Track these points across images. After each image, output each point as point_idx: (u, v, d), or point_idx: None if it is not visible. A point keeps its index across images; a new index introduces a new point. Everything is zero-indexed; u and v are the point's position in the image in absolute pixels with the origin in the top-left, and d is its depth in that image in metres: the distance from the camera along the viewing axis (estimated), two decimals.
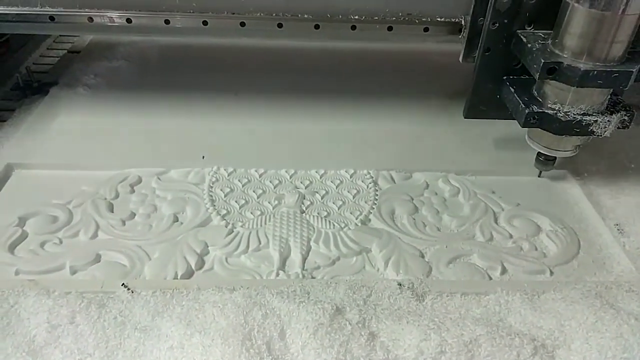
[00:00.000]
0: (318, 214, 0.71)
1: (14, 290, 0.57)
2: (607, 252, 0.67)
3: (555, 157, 0.74)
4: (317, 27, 0.75)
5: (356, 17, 0.75)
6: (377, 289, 0.59)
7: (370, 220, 0.70)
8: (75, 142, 0.82)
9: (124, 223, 0.68)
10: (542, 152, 0.73)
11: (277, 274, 0.62)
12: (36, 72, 1.00)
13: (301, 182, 0.76)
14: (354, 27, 0.75)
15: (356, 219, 0.70)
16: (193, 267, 0.62)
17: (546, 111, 0.66)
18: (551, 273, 0.64)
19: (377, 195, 0.74)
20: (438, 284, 0.61)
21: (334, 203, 0.73)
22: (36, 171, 0.76)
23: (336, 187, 0.75)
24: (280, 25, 0.75)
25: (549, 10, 0.66)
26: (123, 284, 0.58)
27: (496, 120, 0.79)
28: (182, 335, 0.52)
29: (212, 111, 0.91)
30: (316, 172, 0.78)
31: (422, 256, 0.65)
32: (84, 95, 0.94)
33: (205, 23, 0.75)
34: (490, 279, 0.63)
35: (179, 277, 0.61)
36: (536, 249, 0.67)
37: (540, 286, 0.61)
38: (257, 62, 1.07)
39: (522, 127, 0.68)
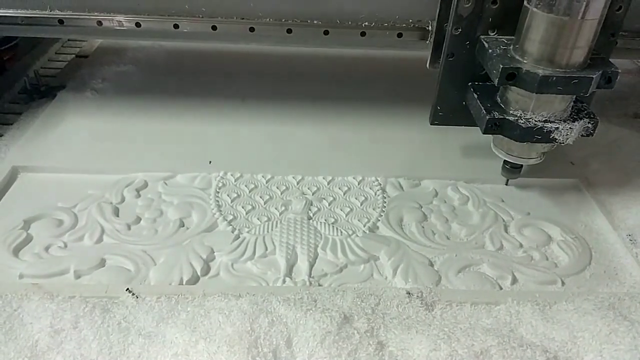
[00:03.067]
0: (325, 220, 0.70)
1: (17, 294, 0.56)
2: (619, 263, 0.66)
3: (522, 165, 0.73)
4: (326, 33, 0.75)
5: (366, 23, 0.74)
6: (385, 297, 0.58)
7: (378, 227, 0.69)
8: (82, 146, 0.81)
9: (129, 227, 0.68)
10: (507, 160, 0.72)
11: (284, 281, 0.61)
12: (44, 76, 1.00)
13: (308, 189, 0.75)
14: (363, 34, 0.75)
15: (364, 226, 0.69)
16: (199, 272, 0.61)
17: (507, 117, 0.64)
18: (563, 283, 0.62)
19: (385, 202, 0.73)
20: (447, 293, 0.60)
21: (341, 210, 0.72)
22: (42, 174, 0.76)
23: (344, 194, 0.75)
24: (289, 31, 0.75)
25: (511, 15, 0.65)
26: (127, 289, 0.58)
27: None
28: (187, 342, 0.51)
29: (219, 116, 0.90)
30: (323, 178, 0.77)
31: (431, 265, 0.64)
32: (91, 99, 0.94)
33: (214, 28, 0.74)
34: (501, 288, 0.62)
35: (184, 283, 0.60)
36: (547, 259, 0.66)
37: (551, 297, 0.60)
38: (266, 68, 1.07)
39: (483, 133, 0.66)
